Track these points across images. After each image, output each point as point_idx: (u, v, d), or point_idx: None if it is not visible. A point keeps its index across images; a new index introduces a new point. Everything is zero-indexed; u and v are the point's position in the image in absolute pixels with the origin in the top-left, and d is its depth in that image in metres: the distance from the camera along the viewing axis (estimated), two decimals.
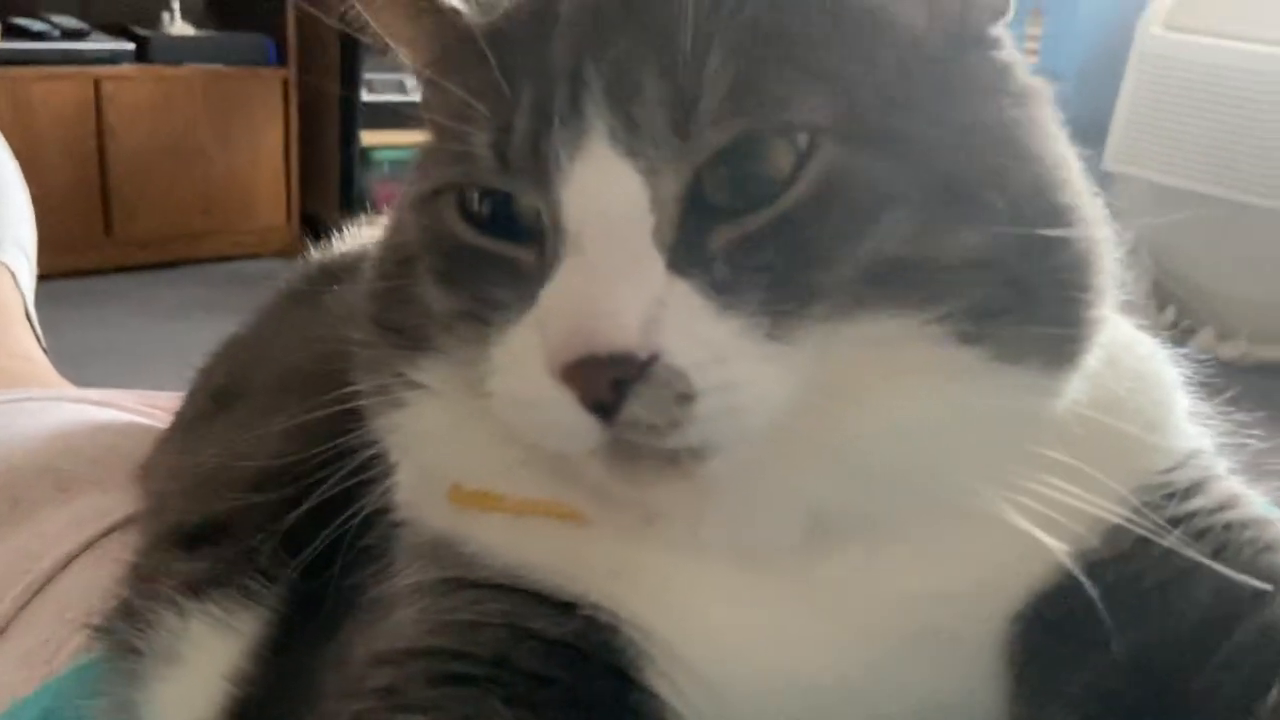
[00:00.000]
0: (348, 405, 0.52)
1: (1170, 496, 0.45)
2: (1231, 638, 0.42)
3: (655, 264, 0.39)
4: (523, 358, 0.41)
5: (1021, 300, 0.41)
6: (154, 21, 3.45)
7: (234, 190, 3.53)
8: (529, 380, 0.40)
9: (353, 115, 3.58)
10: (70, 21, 3.31)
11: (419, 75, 0.51)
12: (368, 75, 3.60)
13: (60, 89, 3.19)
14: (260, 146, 3.54)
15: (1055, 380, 0.42)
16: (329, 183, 3.65)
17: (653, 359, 0.38)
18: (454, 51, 0.46)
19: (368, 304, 0.51)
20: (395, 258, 0.49)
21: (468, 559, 0.47)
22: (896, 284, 0.40)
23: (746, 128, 0.39)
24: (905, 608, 0.43)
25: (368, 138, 3.63)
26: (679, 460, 0.40)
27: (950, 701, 0.44)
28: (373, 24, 0.50)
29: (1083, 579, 0.41)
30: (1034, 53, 3.34)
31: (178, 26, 3.47)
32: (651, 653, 0.45)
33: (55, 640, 0.64)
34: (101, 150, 3.30)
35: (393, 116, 3.79)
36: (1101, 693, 0.43)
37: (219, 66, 3.44)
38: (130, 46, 3.33)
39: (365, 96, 3.61)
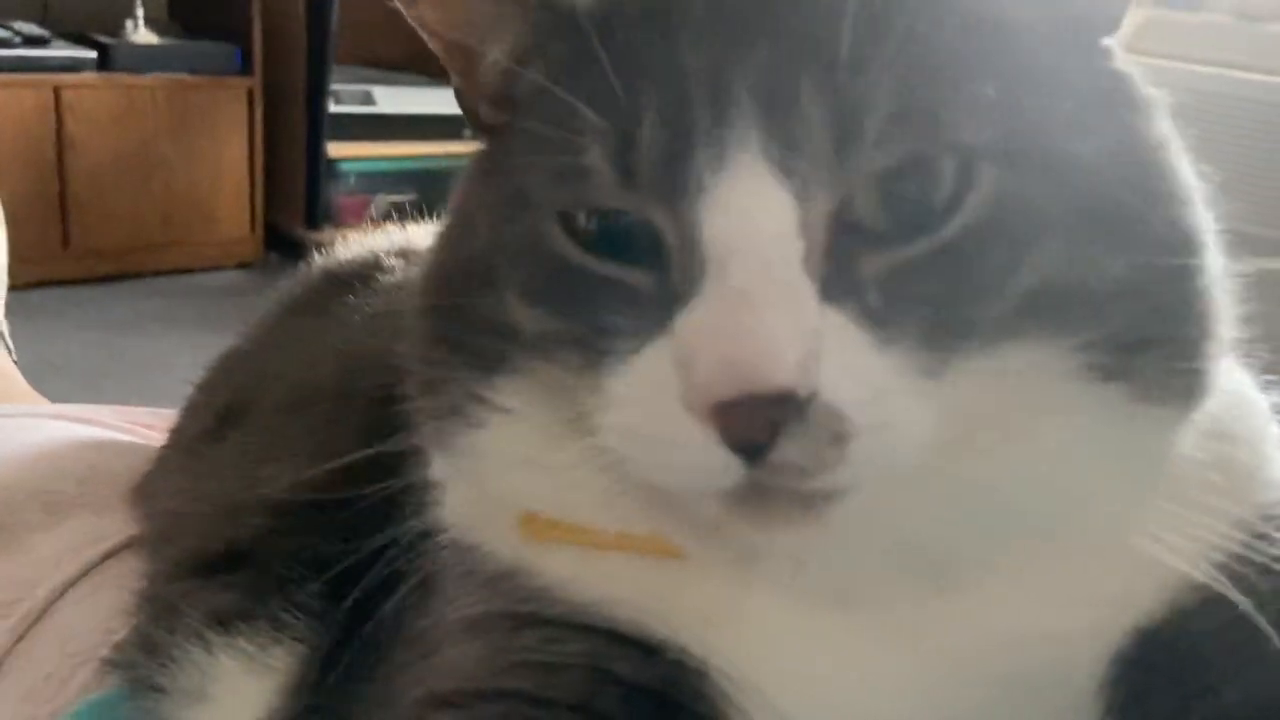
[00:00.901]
0: (380, 426, 0.49)
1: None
2: None
3: (808, 293, 0.36)
4: (652, 391, 0.38)
5: (1161, 329, 0.40)
6: (117, 29, 3.38)
7: (196, 201, 3.47)
8: (660, 416, 0.37)
9: (319, 126, 3.52)
10: (31, 28, 3.24)
11: (487, 71, 0.45)
12: (335, 86, 3.56)
13: (20, 97, 3.12)
14: (224, 157, 3.48)
15: (1189, 414, 0.41)
16: (294, 194, 3.59)
17: (810, 397, 0.35)
18: (550, 43, 0.42)
19: (428, 320, 0.47)
20: (462, 271, 0.46)
21: (539, 593, 0.44)
22: (1043, 314, 0.38)
23: (913, 149, 0.37)
24: (1009, 648, 0.41)
25: (334, 149, 3.57)
26: (814, 502, 0.37)
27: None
28: (421, 9, 0.45)
29: (1230, 590, 0.39)
30: None
31: (141, 34, 3.41)
32: (740, 699, 0.42)
33: (59, 675, 0.60)
34: (61, 160, 3.22)
35: (360, 128, 3.75)
36: None
37: (183, 75, 3.38)
38: (92, 55, 3.26)
39: (332, 107, 3.57)
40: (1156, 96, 0.42)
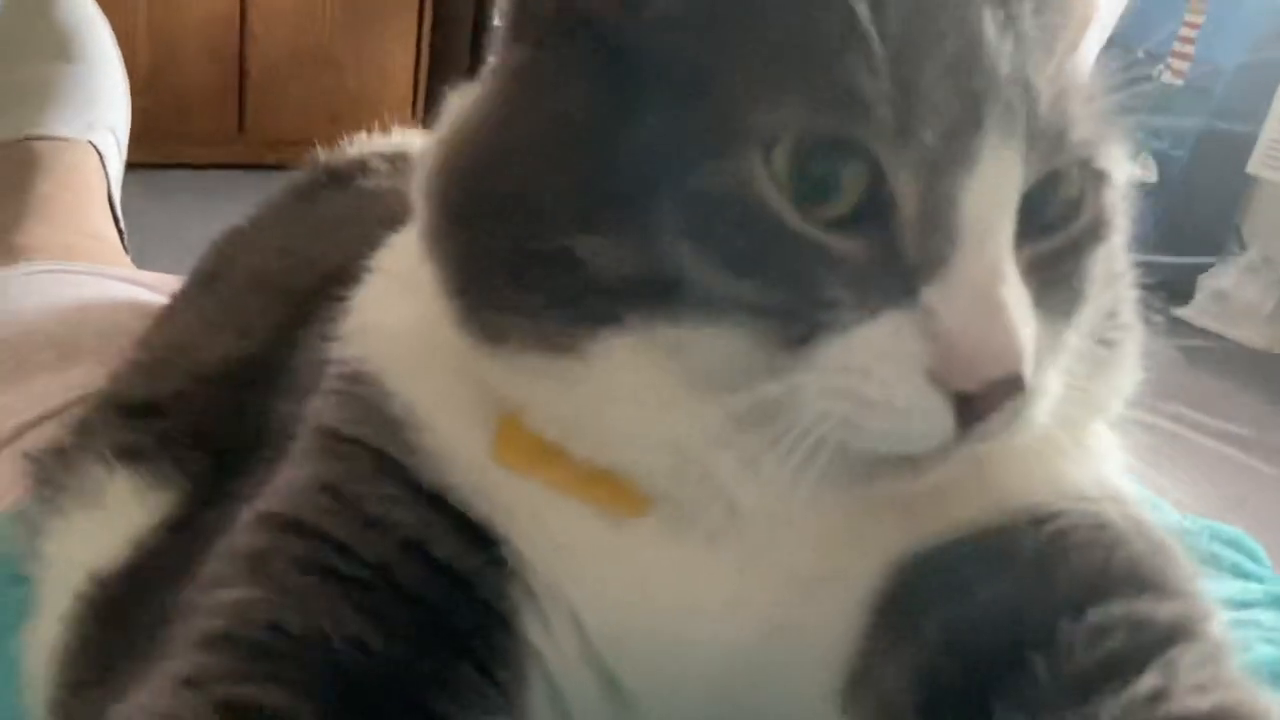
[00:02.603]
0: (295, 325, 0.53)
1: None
2: (1093, 620, 0.42)
3: (1018, 278, 0.40)
4: (890, 362, 0.39)
5: (1131, 316, 0.49)
6: None
7: (363, 103, 3.61)
8: (904, 387, 0.39)
9: (482, 40, 3.61)
10: None
11: None
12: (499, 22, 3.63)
13: None
14: (391, 65, 3.62)
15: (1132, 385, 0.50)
16: (459, 63, 3.69)
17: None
18: None
19: (482, 260, 0.43)
20: (551, 203, 0.41)
21: (406, 445, 0.46)
22: (1091, 297, 0.45)
23: (1085, 156, 0.43)
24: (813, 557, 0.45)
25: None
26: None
27: (810, 639, 0.45)
28: None
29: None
30: (1190, 41, 3.17)
31: None
32: (543, 603, 0.45)
33: (2, 488, 0.68)
34: (242, 53, 3.42)
35: None
36: (955, 641, 0.42)
37: None
38: None
39: (498, 21, 3.65)
40: None
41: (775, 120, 0.38)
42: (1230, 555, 0.76)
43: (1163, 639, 0.41)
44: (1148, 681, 0.39)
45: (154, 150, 2.84)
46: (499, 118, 0.44)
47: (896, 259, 0.39)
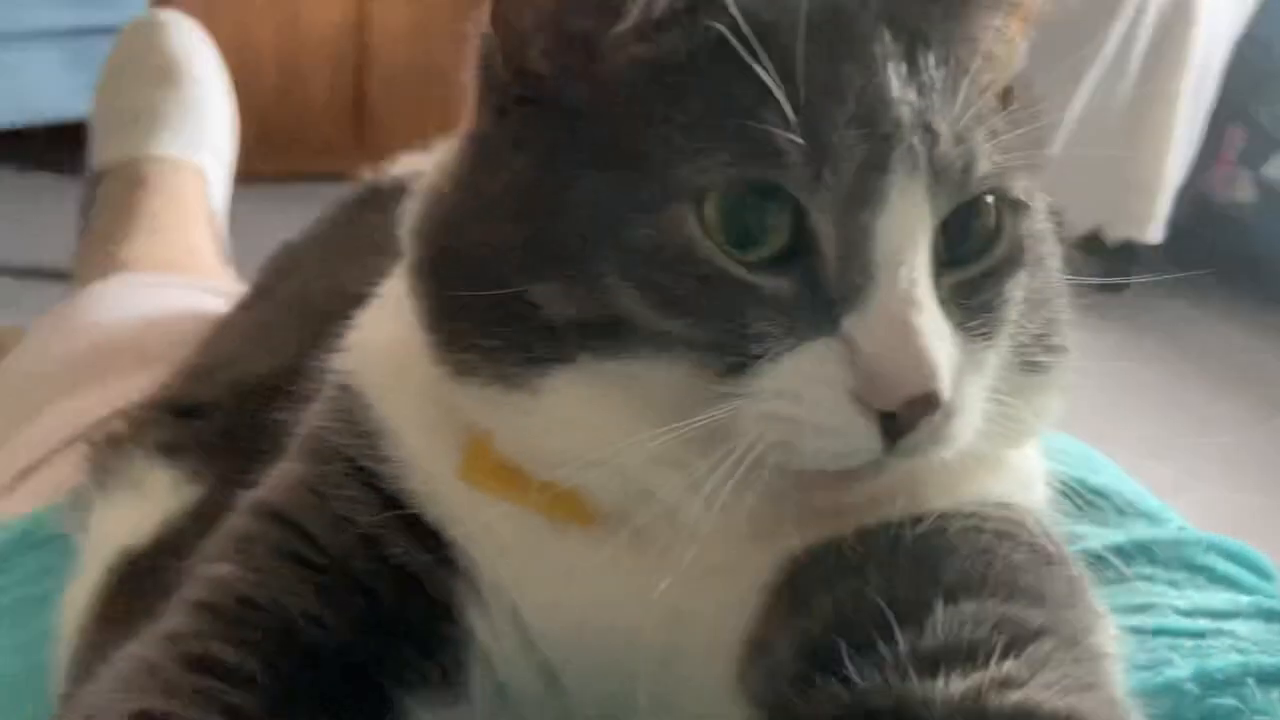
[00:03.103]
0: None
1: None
2: (966, 610, 0.45)
3: (935, 303, 0.45)
4: (816, 386, 0.43)
5: (1058, 339, 0.52)
6: None
7: None
8: (831, 408, 0.43)
9: None
10: None
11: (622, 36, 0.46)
12: None
13: (330, 4, 3.48)
14: None
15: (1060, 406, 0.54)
16: None
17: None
18: (695, 24, 0.45)
19: (449, 302, 0.48)
20: (506, 256, 0.46)
21: (376, 456, 0.51)
22: (1011, 321, 0.49)
23: (995, 187, 0.47)
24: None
25: None
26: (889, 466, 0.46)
27: (709, 623, 0.49)
28: None
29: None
30: None
31: None
32: (484, 596, 0.50)
33: (66, 479, 0.77)
34: (360, 68, 3.57)
35: None
36: (838, 619, 0.46)
37: None
38: None
39: None
40: None
41: (702, 175, 0.43)
42: (1226, 567, 0.76)
43: (1028, 638, 0.44)
44: (1003, 669, 0.42)
45: (276, 162, 3.01)
46: (464, 180, 0.50)
47: (820, 292, 0.44)
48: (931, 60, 0.46)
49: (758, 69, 0.43)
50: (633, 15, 0.46)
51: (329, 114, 3.54)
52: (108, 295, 1.14)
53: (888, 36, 0.46)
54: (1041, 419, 0.54)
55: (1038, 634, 0.45)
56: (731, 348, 0.44)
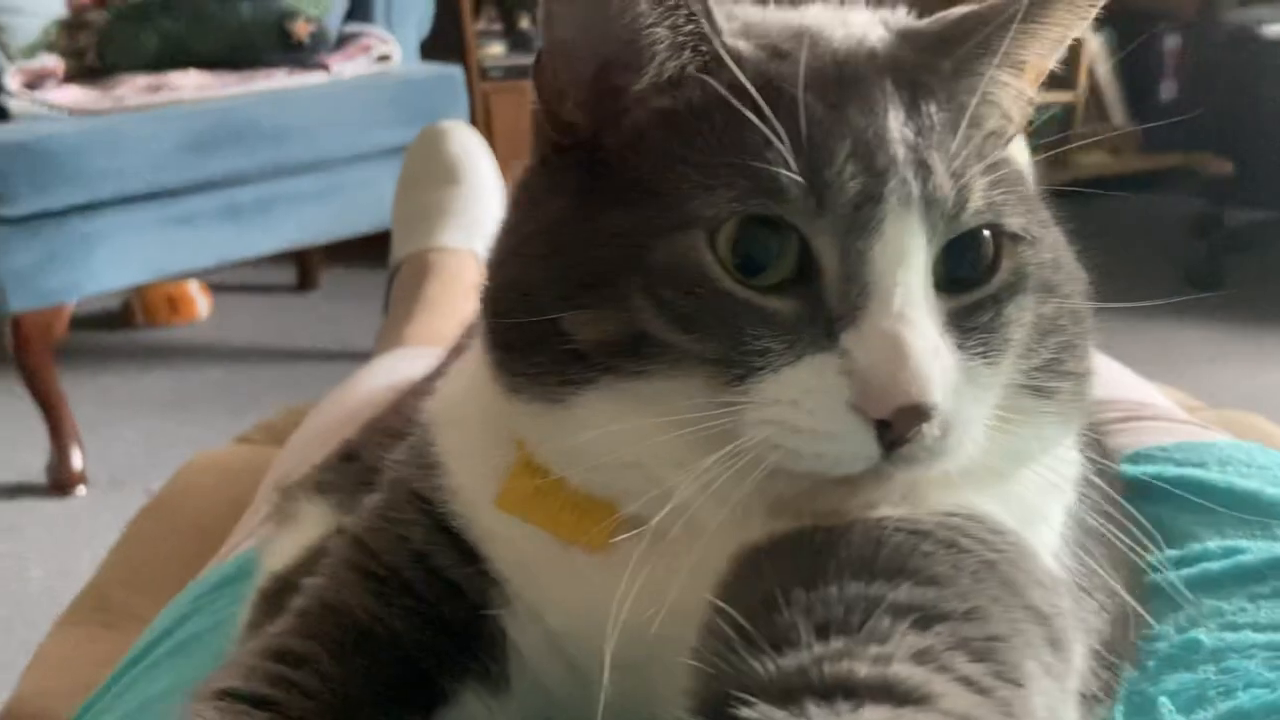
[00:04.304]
0: None
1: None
2: (851, 592, 0.47)
3: (933, 323, 0.49)
4: (816, 396, 0.48)
5: (1073, 365, 0.55)
6: None
7: None
8: (828, 416, 0.48)
9: None
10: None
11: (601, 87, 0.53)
12: None
13: (523, 101, 3.68)
14: None
15: (1070, 430, 0.58)
16: None
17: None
18: (706, 78, 0.51)
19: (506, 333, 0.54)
20: (550, 288, 0.52)
21: (432, 486, 0.60)
22: (1020, 345, 0.53)
23: (989, 221, 0.52)
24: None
25: None
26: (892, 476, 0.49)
27: (688, 619, 0.52)
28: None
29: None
30: None
31: None
32: (513, 602, 0.58)
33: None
34: None
35: None
36: (752, 608, 0.48)
37: None
38: None
39: None
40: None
41: (712, 207, 0.49)
42: None
43: (897, 621, 0.45)
44: (855, 642, 0.44)
45: None
46: (513, 222, 0.58)
47: (822, 312, 0.49)
48: (933, 107, 0.51)
49: (756, 121, 0.48)
50: (648, 76, 0.52)
51: None
52: (376, 367, 1.31)
53: (890, 85, 0.51)
54: (1045, 443, 0.55)
55: (917, 622, 0.45)
56: (738, 361, 0.49)
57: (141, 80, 2.68)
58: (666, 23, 0.51)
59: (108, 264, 2.52)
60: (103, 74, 2.74)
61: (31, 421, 2.57)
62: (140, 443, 2.71)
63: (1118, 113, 3.99)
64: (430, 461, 0.62)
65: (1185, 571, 0.71)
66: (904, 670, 0.42)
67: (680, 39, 0.52)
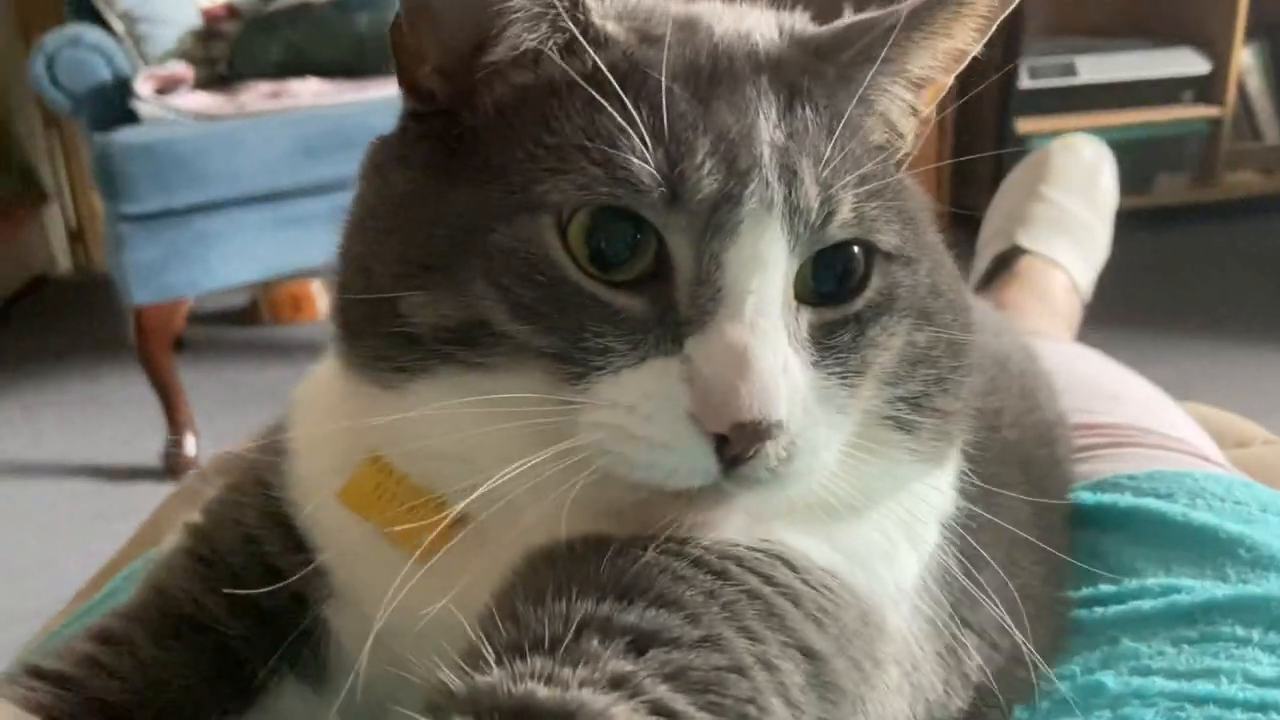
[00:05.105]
0: None
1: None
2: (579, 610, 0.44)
3: (784, 337, 0.46)
4: (654, 402, 0.45)
5: (941, 400, 0.52)
6: None
7: None
8: (665, 425, 0.45)
9: (1009, 101, 3.56)
10: None
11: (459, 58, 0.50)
12: (1029, 60, 3.56)
13: None
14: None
15: (935, 470, 0.55)
16: (981, 173, 3.67)
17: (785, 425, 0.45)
18: (569, 58, 0.49)
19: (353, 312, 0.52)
20: (392, 266, 0.49)
21: (278, 471, 0.59)
22: (883, 371, 0.50)
23: (858, 236, 0.49)
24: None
25: (1024, 125, 3.57)
26: (731, 497, 0.47)
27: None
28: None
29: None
30: None
31: None
32: (338, 593, 0.57)
33: None
34: None
35: (1055, 101, 3.68)
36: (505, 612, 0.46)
37: None
38: None
39: (1026, 83, 3.57)
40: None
41: (559, 192, 0.46)
42: None
43: (607, 643, 0.43)
44: (554, 662, 0.41)
45: None
46: (361, 191, 0.54)
47: (671, 314, 0.47)
48: (809, 111, 0.48)
49: (609, 109, 0.46)
50: (503, 46, 0.50)
51: None
52: None
53: (766, 85, 0.49)
54: (898, 481, 0.52)
55: (615, 635, 0.43)
56: (577, 358, 0.46)
57: (264, 87, 2.80)
58: None
59: (223, 262, 2.63)
60: (230, 81, 2.88)
61: (151, 410, 2.71)
62: (254, 434, 2.82)
63: (1272, 130, 3.74)
64: (282, 446, 0.61)
65: (1116, 609, 0.65)
66: (588, 695, 0.40)
67: (538, 10, 0.49)
